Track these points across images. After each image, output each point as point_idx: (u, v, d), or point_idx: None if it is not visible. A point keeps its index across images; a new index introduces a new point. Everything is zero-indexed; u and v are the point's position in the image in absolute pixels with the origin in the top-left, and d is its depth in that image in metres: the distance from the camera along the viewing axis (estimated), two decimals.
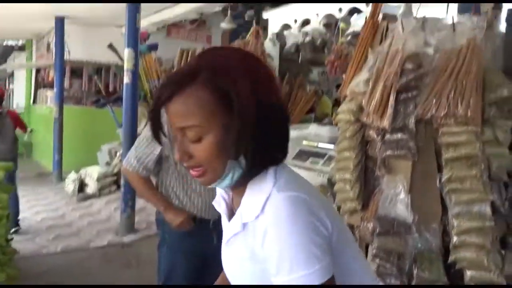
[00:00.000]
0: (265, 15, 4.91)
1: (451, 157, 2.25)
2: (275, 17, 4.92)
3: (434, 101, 2.27)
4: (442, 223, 2.32)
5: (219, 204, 1.11)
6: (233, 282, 1.09)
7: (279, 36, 5.80)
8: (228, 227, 1.06)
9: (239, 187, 1.01)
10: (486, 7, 2.48)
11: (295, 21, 5.75)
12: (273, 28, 5.43)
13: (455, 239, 2.20)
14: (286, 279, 0.89)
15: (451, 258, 2.25)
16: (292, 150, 3.47)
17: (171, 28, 8.88)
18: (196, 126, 0.92)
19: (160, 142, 1.05)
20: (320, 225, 0.91)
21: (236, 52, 1.01)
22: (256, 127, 0.92)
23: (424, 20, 2.49)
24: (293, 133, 3.00)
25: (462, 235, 2.18)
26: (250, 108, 0.91)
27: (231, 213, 1.08)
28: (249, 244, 0.96)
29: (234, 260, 1.05)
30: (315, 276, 0.88)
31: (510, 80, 2.24)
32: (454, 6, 2.86)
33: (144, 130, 2.43)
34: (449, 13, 2.60)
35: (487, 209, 2.18)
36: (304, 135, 3.80)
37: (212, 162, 0.95)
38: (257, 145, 0.93)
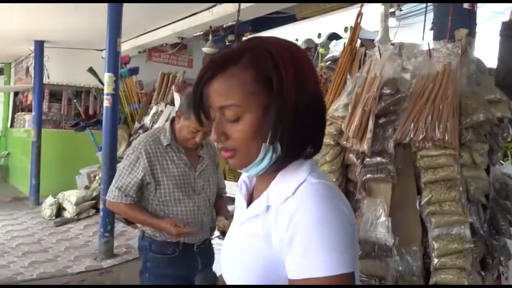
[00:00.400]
0: (246, 39, 4.97)
1: (430, 180, 2.28)
2: None
3: (412, 125, 2.31)
4: (422, 245, 2.34)
5: (241, 188, 1.10)
6: (232, 267, 1.05)
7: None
8: (244, 210, 1.04)
9: (267, 175, 0.99)
10: (460, 34, 2.56)
11: None
12: None
13: (435, 261, 2.22)
14: (313, 260, 0.85)
15: (432, 280, 2.26)
16: None
17: (152, 52, 8.90)
18: (235, 105, 0.93)
19: (201, 123, 1.05)
20: (351, 219, 0.91)
21: (281, 40, 1.01)
22: (295, 113, 0.92)
23: (401, 46, 2.55)
24: None
25: (443, 258, 2.20)
26: (291, 93, 0.91)
27: (249, 200, 1.07)
28: (268, 226, 0.94)
29: (245, 239, 1.01)
30: (344, 262, 0.85)
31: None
32: (429, 33, 2.94)
33: (123, 160, 2.41)
34: (425, 40, 2.67)
35: (467, 231, 2.21)
36: None
37: (248, 144, 0.95)
38: (294, 132, 0.93)
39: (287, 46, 0.98)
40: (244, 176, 1.12)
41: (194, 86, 0.98)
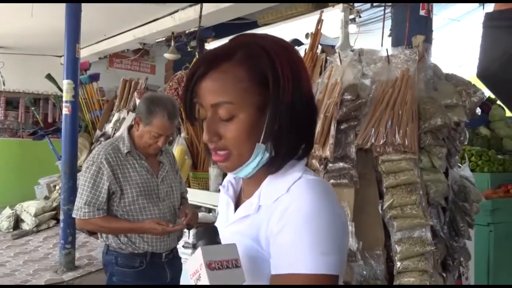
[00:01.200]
0: (208, 46, 4.95)
1: (391, 184, 2.31)
2: None
3: (373, 130, 2.34)
4: (385, 249, 2.37)
5: (227, 189, 1.06)
6: None
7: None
8: (232, 212, 1.01)
9: (257, 175, 0.95)
10: (417, 40, 2.61)
11: None
12: None
13: (398, 264, 2.25)
14: (298, 256, 0.82)
15: (396, 283, 2.28)
16: None
17: (113, 58, 8.74)
18: (229, 103, 0.89)
19: (193, 123, 1.01)
20: (344, 219, 0.89)
21: (275, 38, 0.98)
22: (291, 112, 0.89)
23: (360, 52, 2.59)
24: None
25: (405, 261, 2.23)
26: (287, 92, 0.89)
27: (236, 201, 1.03)
28: (257, 226, 0.91)
29: (233, 239, 0.95)
30: (329, 263, 0.82)
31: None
32: (388, 40, 3.00)
33: (83, 174, 2.33)
34: (384, 46, 2.72)
35: (428, 234, 2.25)
36: None
37: (241, 144, 0.91)
38: (289, 132, 0.90)
39: (283, 44, 0.95)
40: (230, 177, 1.08)
41: (185, 84, 0.94)
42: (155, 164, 2.42)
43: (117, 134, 5.95)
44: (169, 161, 2.53)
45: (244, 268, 0.85)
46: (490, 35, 1.13)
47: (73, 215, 2.31)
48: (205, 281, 0.80)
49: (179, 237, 2.51)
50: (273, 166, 0.94)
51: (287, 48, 0.95)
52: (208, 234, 0.88)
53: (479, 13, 7.50)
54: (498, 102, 5.92)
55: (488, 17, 1.17)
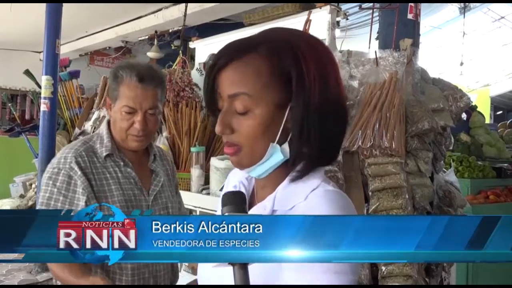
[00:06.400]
0: (192, 44, 4.90)
1: (377, 188, 2.29)
2: (202, 47, 4.93)
3: (360, 132, 2.32)
4: None
5: (239, 188, 0.99)
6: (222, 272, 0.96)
7: (206, 66, 5.79)
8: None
9: (272, 178, 0.90)
10: (405, 44, 2.61)
11: None
12: (200, 58, 5.42)
13: (383, 269, 2.23)
14: (320, 276, 0.77)
15: None
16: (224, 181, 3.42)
17: (94, 55, 8.60)
18: (246, 94, 0.84)
19: (214, 114, 0.91)
20: None
21: (306, 34, 0.92)
22: (312, 114, 0.83)
23: (348, 54, 2.57)
24: (222, 164, 2.95)
25: (390, 265, 2.21)
26: (311, 93, 0.83)
27: (249, 203, 0.96)
28: None
29: None
30: (347, 283, 0.78)
31: None
32: (375, 43, 2.99)
33: (43, 187, 1.64)
34: (372, 48, 2.71)
35: None
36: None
37: (254, 141, 0.85)
38: (308, 135, 0.84)
39: (313, 42, 0.89)
40: (242, 176, 1.02)
41: (207, 73, 0.89)
42: (146, 174, 1.76)
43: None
44: (166, 170, 1.85)
45: (251, 271, 0.81)
46: None
47: None
48: None
49: (173, 280, 1.83)
50: (291, 170, 0.88)
51: (317, 46, 0.89)
52: (236, 200, 0.80)
53: (459, 21, 7.62)
54: (478, 109, 6.02)
55: None
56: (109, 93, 1.71)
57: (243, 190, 0.99)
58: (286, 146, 0.87)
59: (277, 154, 0.87)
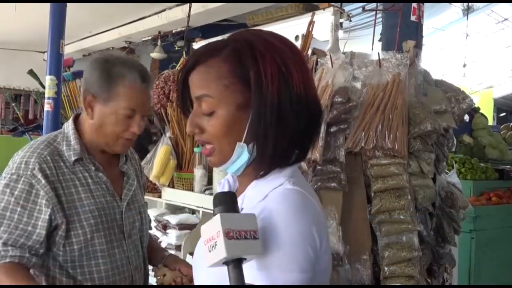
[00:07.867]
0: (196, 45, 4.92)
1: (380, 189, 2.30)
2: None
3: (362, 134, 2.33)
4: (372, 254, 2.35)
5: (223, 186, 1.04)
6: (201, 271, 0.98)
7: None
8: None
9: (247, 176, 0.94)
10: (408, 45, 2.62)
11: None
12: None
13: (385, 269, 2.23)
14: (264, 273, 0.80)
15: None
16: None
17: None
18: (209, 96, 0.89)
19: (186, 115, 0.96)
20: (317, 243, 0.85)
21: (268, 34, 0.94)
22: (275, 113, 0.86)
23: (352, 55, 2.57)
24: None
25: (392, 266, 2.22)
26: (271, 92, 0.86)
27: None
28: None
29: None
30: (292, 281, 0.81)
31: None
32: (378, 45, 3.00)
33: (5, 184, 1.44)
34: (375, 50, 2.71)
35: (415, 240, 2.24)
36: None
37: (220, 140, 0.90)
38: (273, 133, 0.87)
39: (272, 41, 0.92)
40: (228, 175, 1.06)
41: (178, 75, 0.96)
42: (116, 177, 1.60)
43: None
44: (135, 171, 1.71)
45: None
46: None
47: None
48: (221, 249, 0.77)
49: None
50: (259, 169, 0.91)
51: (277, 46, 0.91)
52: (227, 200, 0.84)
53: (463, 23, 7.62)
54: (481, 110, 6.02)
55: None
56: (93, 89, 1.50)
57: (226, 186, 1.03)
58: (253, 145, 0.90)
59: (244, 153, 0.90)
